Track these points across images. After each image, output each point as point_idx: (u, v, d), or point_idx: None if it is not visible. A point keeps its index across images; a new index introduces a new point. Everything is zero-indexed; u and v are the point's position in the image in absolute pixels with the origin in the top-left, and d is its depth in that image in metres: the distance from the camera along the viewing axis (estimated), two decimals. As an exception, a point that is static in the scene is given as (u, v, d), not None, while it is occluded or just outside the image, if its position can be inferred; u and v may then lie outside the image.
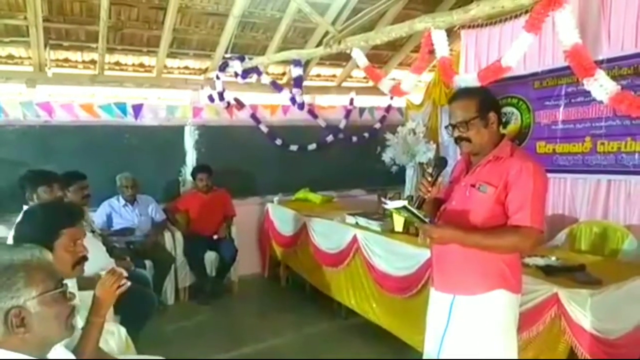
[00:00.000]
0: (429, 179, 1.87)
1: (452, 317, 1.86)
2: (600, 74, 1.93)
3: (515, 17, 3.86)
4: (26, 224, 1.74)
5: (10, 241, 2.53)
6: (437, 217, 1.95)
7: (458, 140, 1.87)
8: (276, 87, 4.70)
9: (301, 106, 4.71)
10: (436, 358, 1.93)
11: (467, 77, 2.47)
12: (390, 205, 1.78)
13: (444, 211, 1.95)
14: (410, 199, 1.82)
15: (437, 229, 1.79)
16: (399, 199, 1.88)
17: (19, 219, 1.88)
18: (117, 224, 4.22)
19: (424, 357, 2.06)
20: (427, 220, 1.82)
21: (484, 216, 1.79)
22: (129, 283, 1.74)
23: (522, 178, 1.73)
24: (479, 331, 1.82)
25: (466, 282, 1.83)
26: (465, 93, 1.95)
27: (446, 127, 1.94)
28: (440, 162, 1.95)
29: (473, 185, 1.83)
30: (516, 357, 1.87)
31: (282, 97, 4.84)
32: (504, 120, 4.15)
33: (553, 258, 2.52)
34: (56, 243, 1.67)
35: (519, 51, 2.22)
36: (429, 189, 1.86)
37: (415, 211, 1.76)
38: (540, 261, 2.47)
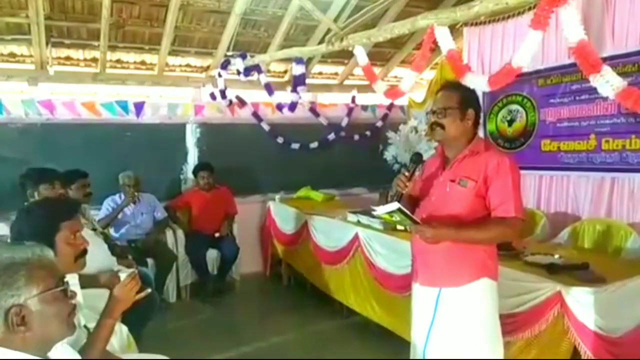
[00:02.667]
0: (406, 174, 1.91)
1: (438, 310, 1.90)
2: (607, 70, 1.92)
3: (519, 14, 3.85)
4: (24, 221, 1.73)
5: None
6: (418, 214, 1.96)
7: (433, 126, 1.93)
8: (269, 89, 4.67)
9: (292, 107, 4.69)
10: (423, 351, 1.95)
11: (477, 79, 2.44)
12: (382, 210, 1.81)
13: (423, 208, 1.99)
14: (395, 196, 1.85)
15: (432, 230, 1.81)
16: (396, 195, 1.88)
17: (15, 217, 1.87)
18: (119, 221, 4.21)
19: (411, 352, 2.08)
20: (419, 221, 1.85)
21: (466, 210, 1.85)
22: (149, 290, 1.74)
23: (500, 172, 1.82)
24: (466, 321, 1.86)
25: (452, 274, 1.88)
26: (452, 85, 2.11)
27: (427, 114, 1.99)
28: (416, 158, 1.98)
29: (453, 181, 1.89)
30: (501, 344, 1.93)
31: (282, 96, 4.83)
32: (509, 118, 4.15)
33: (556, 256, 2.51)
34: (57, 237, 1.66)
35: (529, 50, 2.20)
36: (407, 183, 1.90)
37: (408, 213, 1.79)
38: (543, 259, 2.45)
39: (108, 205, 4.23)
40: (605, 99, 3.21)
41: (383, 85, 3.39)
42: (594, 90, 2.18)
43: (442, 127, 1.90)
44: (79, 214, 1.82)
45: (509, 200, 1.79)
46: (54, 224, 1.67)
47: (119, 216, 4.19)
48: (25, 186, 2.77)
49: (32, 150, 4.12)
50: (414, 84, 3.07)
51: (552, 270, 2.28)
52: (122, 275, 1.73)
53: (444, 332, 1.89)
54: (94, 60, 4.51)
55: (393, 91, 3.22)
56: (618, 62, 3.18)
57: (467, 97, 1.95)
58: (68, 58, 4.47)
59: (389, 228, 3.32)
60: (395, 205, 1.75)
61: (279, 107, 4.80)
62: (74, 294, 1.21)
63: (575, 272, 2.26)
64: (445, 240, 1.82)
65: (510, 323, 2.17)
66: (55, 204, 1.85)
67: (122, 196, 4.28)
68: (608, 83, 1.93)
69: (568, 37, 2.02)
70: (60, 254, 1.63)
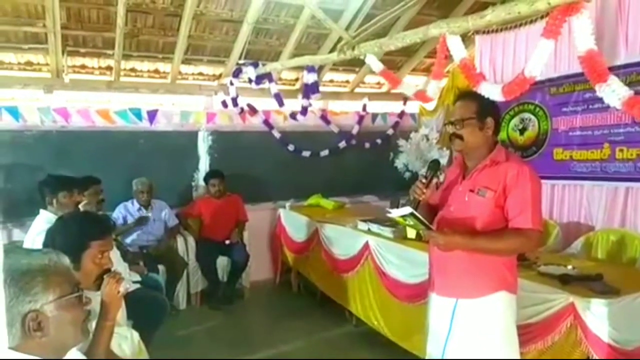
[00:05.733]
0: (423, 180, 1.90)
1: (454, 321, 1.87)
2: (613, 80, 1.90)
3: (531, 22, 3.85)
4: (58, 232, 1.77)
5: (28, 244, 2.57)
6: (436, 224, 1.95)
7: (452, 138, 1.92)
8: (279, 100, 4.69)
9: (304, 112, 4.71)
10: None
11: (492, 89, 2.43)
12: (396, 213, 1.80)
13: (442, 217, 1.97)
14: (412, 203, 1.84)
15: (445, 236, 1.80)
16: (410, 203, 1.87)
17: (47, 225, 1.90)
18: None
19: None
20: (433, 227, 1.84)
21: (484, 220, 1.82)
22: (128, 285, 1.75)
23: (520, 182, 1.79)
24: (483, 333, 1.84)
25: (469, 285, 1.85)
26: (469, 94, 2.08)
27: (444, 125, 1.98)
28: (434, 165, 1.97)
29: (472, 190, 1.87)
30: (519, 357, 1.90)
31: (293, 104, 4.86)
32: (520, 127, 4.13)
33: (569, 267, 2.48)
34: (84, 254, 1.70)
35: (541, 59, 2.19)
36: (424, 190, 1.88)
37: (421, 218, 1.77)
38: (556, 270, 2.42)
39: (119, 212, 4.28)
40: (614, 107, 3.19)
41: (410, 86, 3.36)
42: (607, 99, 2.16)
43: (461, 138, 1.88)
44: (111, 234, 1.86)
45: (527, 211, 1.76)
46: (84, 241, 1.72)
47: (130, 221, 4.25)
48: (43, 193, 2.81)
49: (48, 157, 4.18)
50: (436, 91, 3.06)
51: (565, 281, 2.26)
52: (105, 279, 1.75)
53: (461, 344, 1.87)
54: (109, 68, 4.58)
55: (421, 94, 3.18)
56: (631, 71, 3.16)
57: (485, 106, 1.92)
58: (83, 66, 4.54)
59: (399, 237, 3.31)
60: (408, 209, 1.74)
61: (292, 116, 4.81)
62: (89, 300, 1.23)
63: (589, 283, 2.23)
64: (458, 248, 1.80)
65: (523, 334, 2.14)
66: (90, 221, 1.89)
67: (135, 202, 4.33)
68: (614, 92, 1.92)
69: (577, 46, 2.01)
70: (84, 270, 1.67)
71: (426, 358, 2.08)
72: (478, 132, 1.87)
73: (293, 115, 4.79)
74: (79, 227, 1.78)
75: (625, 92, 1.93)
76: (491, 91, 2.40)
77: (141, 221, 4.15)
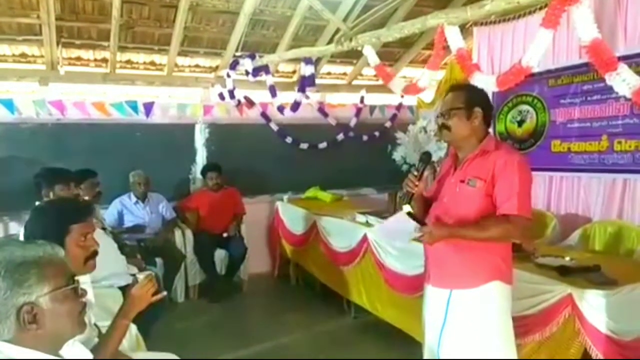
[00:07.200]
0: (415, 173, 1.90)
1: (449, 311, 1.89)
2: (623, 68, 1.89)
3: (529, 13, 3.83)
4: (36, 222, 1.74)
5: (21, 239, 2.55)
6: (430, 215, 1.97)
7: (441, 129, 1.93)
8: (273, 91, 4.66)
9: (295, 107, 4.68)
10: (437, 352, 1.94)
11: (486, 79, 2.41)
12: (395, 218, 1.86)
13: (435, 209, 1.98)
14: (405, 196, 1.85)
15: (434, 228, 1.82)
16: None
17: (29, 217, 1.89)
18: (128, 221, 4.24)
19: (424, 353, 2.07)
20: (427, 223, 1.86)
21: (476, 210, 1.84)
22: (165, 293, 1.75)
23: (507, 169, 1.80)
24: (477, 324, 1.85)
25: (463, 276, 1.87)
26: (458, 86, 2.13)
27: (437, 117, 1.97)
28: (425, 157, 1.97)
29: (462, 181, 1.88)
30: (514, 348, 1.91)
31: (290, 96, 4.83)
32: (518, 119, 4.12)
33: (567, 258, 2.48)
34: (67, 239, 1.67)
35: (539, 49, 2.18)
36: (416, 183, 1.88)
37: (415, 216, 1.80)
38: (554, 261, 2.43)
39: (115, 206, 4.26)
40: (618, 99, 3.19)
41: (400, 83, 3.35)
42: (605, 90, 2.16)
43: (449, 128, 1.89)
44: (91, 216, 1.84)
45: (513, 197, 1.77)
46: (64, 226, 1.68)
47: (127, 215, 4.24)
48: (40, 186, 2.79)
49: (43, 150, 4.15)
50: (429, 82, 3.04)
51: (563, 273, 2.26)
52: (140, 277, 1.74)
53: (456, 334, 1.88)
54: (104, 60, 4.55)
55: (411, 87, 3.16)
56: (631, 62, 3.11)
57: (473, 96, 1.93)
58: (78, 58, 4.50)
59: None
60: (407, 208, 1.77)
61: (280, 109, 4.79)
62: (85, 292, 1.22)
63: (587, 274, 2.24)
64: (447, 238, 1.81)
65: (521, 325, 2.15)
66: (67, 206, 1.86)
67: (131, 196, 4.32)
68: (624, 82, 1.90)
69: (581, 37, 1.99)
70: (70, 255, 1.64)
71: (424, 350, 2.09)
72: (465, 121, 1.87)
73: (281, 109, 4.75)
74: (56, 213, 1.75)
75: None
76: (485, 81, 2.39)
77: (135, 230, 4.14)
